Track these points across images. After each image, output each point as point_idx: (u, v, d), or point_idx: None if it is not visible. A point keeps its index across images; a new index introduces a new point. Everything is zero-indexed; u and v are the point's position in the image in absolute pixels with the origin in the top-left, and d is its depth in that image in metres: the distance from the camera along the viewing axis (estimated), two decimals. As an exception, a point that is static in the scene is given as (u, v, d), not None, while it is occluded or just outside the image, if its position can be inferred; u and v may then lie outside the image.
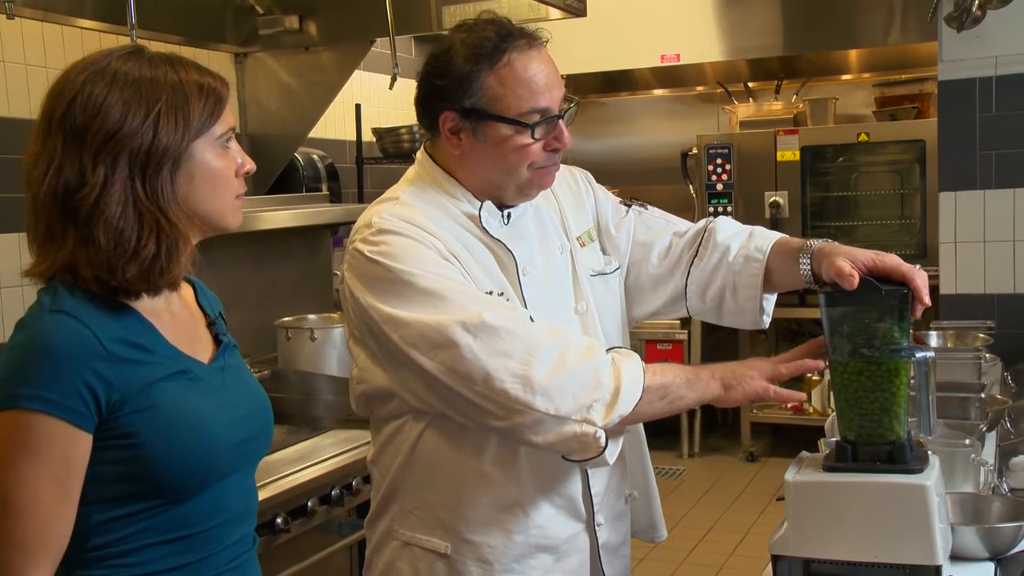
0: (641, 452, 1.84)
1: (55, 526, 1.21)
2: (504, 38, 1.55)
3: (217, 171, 1.31)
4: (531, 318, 1.54)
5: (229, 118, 1.34)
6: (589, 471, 1.63)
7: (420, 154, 1.69)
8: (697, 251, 1.75)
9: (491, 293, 1.56)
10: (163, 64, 1.30)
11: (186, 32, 3.14)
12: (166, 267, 1.27)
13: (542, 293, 1.63)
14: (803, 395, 1.46)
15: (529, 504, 1.59)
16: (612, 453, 1.48)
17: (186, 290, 1.41)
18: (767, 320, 1.74)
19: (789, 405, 5.52)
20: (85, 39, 2.81)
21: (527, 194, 1.64)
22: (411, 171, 1.70)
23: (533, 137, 1.56)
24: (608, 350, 1.51)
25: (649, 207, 1.83)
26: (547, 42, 1.61)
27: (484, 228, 1.61)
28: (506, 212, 1.64)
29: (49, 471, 1.19)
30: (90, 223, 1.23)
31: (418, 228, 1.55)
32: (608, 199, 1.83)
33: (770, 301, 1.74)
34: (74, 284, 1.25)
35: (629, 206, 1.81)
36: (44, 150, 1.26)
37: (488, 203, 1.61)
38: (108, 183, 1.23)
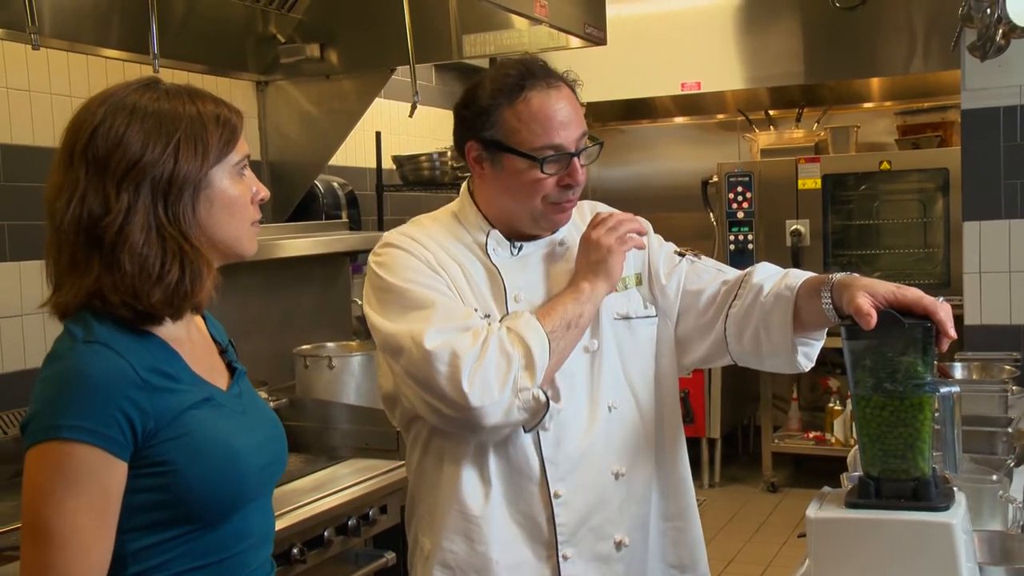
0: (653, 498, 1.77)
1: (94, 556, 1.22)
2: (525, 76, 1.65)
3: (234, 198, 1.35)
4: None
5: (244, 146, 1.37)
6: (554, 502, 1.65)
7: (463, 187, 1.80)
8: (736, 294, 1.75)
9: (476, 310, 1.65)
10: (181, 95, 1.33)
11: (208, 61, 3.17)
12: (190, 291, 1.29)
13: None
14: (646, 226, 1.75)
15: (492, 516, 1.65)
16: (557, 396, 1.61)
17: (198, 319, 1.44)
18: (806, 364, 1.73)
19: (811, 435, 5.49)
20: (109, 68, 2.83)
21: (542, 226, 1.72)
22: (450, 203, 1.82)
23: (543, 172, 1.64)
24: (501, 319, 1.62)
25: (703, 257, 1.85)
26: (575, 83, 1.70)
27: (488, 254, 1.70)
28: (518, 244, 1.72)
29: (88, 501, 1.21)
30: (115, 250, 1.26)
31: (415, 242, 1.69)
32: (663, 249, 1.85)
33: (812, 346, 1.72)
34: (102, 312, 1.27)
35: (683, 255, 1.83)
36: (67, 180, 1.28)
37: (495, 232, 1.72)
38: (132, 210, 1.26)
